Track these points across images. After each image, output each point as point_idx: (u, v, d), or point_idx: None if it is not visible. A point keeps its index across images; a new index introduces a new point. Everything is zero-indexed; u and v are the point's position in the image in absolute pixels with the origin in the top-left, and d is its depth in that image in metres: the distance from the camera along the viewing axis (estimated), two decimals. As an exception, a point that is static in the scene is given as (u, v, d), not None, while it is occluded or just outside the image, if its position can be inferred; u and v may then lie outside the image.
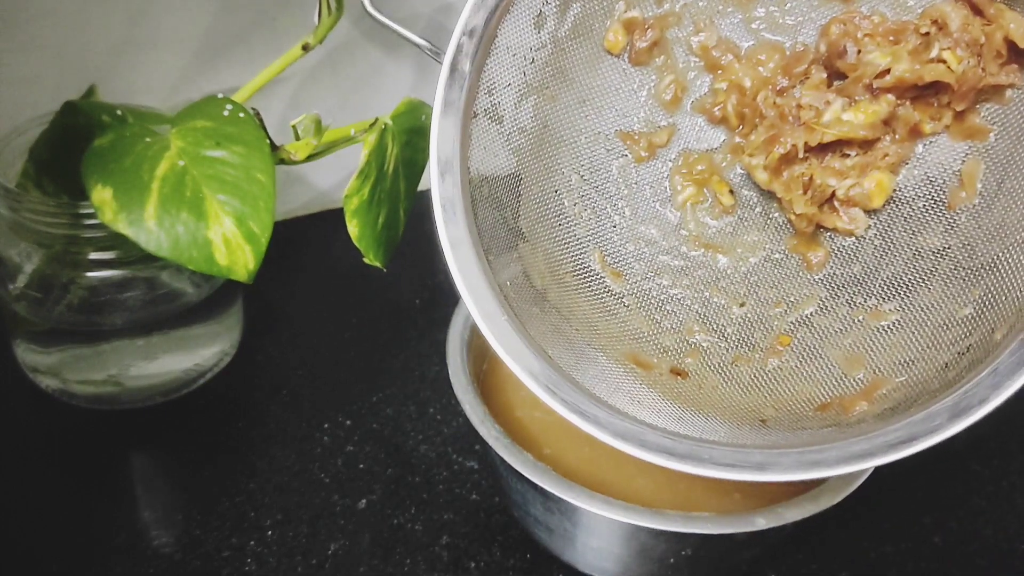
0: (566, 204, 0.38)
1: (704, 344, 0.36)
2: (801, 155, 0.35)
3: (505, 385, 0.40)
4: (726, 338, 0.36)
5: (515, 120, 0.36)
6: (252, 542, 0.38)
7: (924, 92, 0.34)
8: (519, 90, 0.36)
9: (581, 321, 0.36)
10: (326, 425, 0.43)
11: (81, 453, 0.41)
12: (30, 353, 0.43)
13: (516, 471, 0.33)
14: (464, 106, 0.35)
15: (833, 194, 0.36)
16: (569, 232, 0.37)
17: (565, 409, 0.31)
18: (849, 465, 0.29)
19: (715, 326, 0.37)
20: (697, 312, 0.37)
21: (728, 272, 0.37)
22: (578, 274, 0.37)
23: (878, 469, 0.33)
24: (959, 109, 0.34)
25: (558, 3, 0.36)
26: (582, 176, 0.38)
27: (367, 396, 0.45)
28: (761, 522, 0.31)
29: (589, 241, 0.38)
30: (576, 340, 0.35)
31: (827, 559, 0.38)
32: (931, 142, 0.35)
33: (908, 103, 0.35)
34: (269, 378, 0.46)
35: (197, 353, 0.44)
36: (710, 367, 0.36)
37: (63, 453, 0.41)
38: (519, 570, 0.37)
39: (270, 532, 0.38)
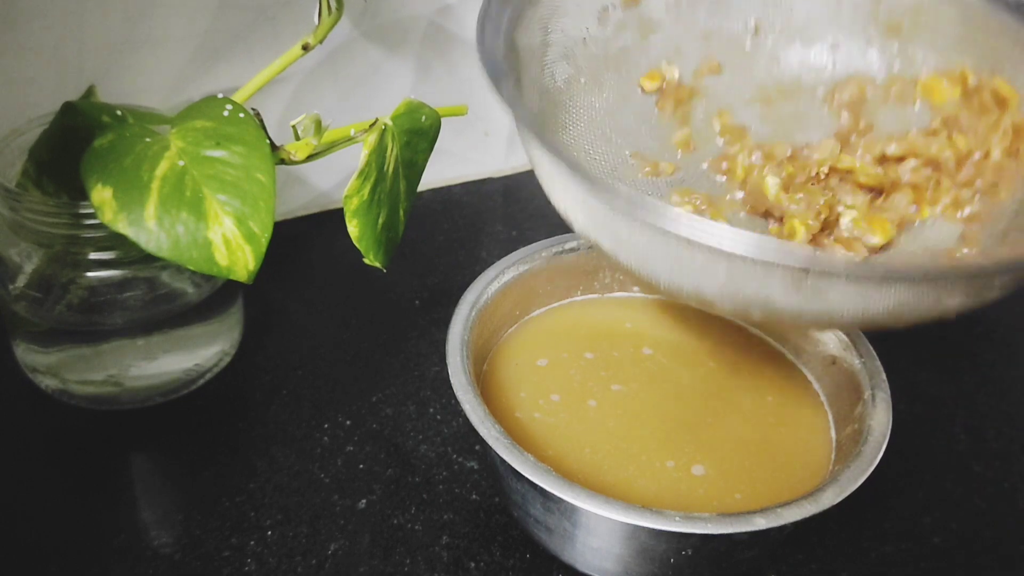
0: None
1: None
2: (814, 173, 0.36)
3: (505, 386, 0.40)
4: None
5: (553, 63, 0.37)
6: (252, 542, 0.38)
7: (928, 175, 0.36)
8: (565, 48, 0.37)
9: None
10: (326, 425, 0.43)
11: (81, 453, 0.41)
12: (30, 353, 0.43)
13: (516, 471, 0.33)
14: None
15: (837, 221, 0.36)
16: None
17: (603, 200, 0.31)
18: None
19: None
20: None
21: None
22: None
23: (878, 469, 0.34)
24: (963, 183, 0.35)
25: (619, 19, 0.37)
26: (587, 156, 0.38)
27: (367, 396, 0.45)
28: (761, 522, 0.31)
29: None
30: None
31: (827, 559, 0.38)
32: (932, 221, 0.36)
33: (910, 190, 0.36)
34: (269, 378, 0.46)
35: (197, 353, 0.44)
36: None
37: (63, 453, 0.41)
38: (519, 570, 0.37)
39: (270, 532, 0.38)
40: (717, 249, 0.27)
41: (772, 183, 0.37)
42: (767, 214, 0.38)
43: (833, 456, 0.38)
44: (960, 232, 0.36)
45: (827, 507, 0.32)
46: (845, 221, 0.36)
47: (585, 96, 0.39)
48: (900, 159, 0.37)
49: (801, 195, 0.36)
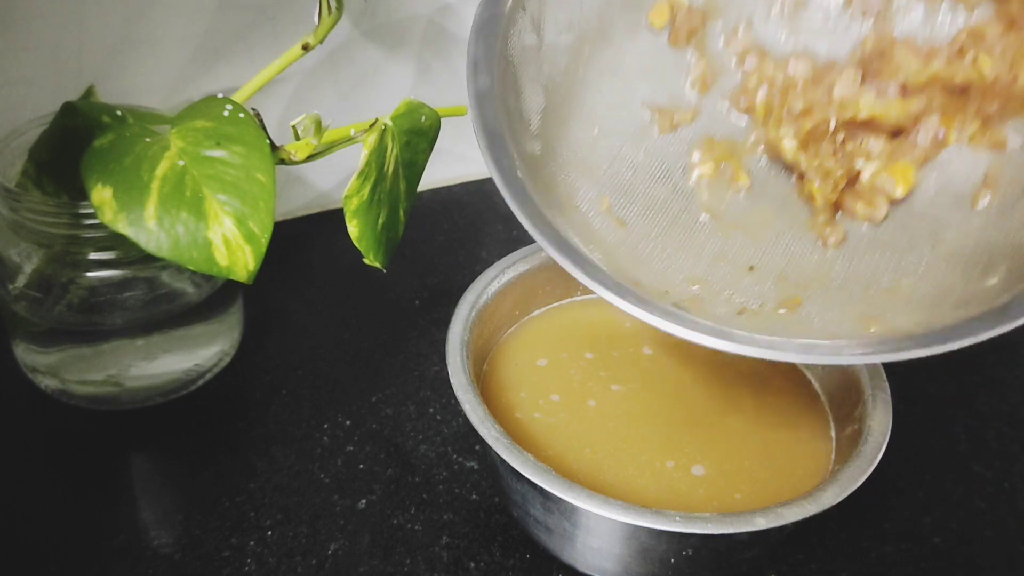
0: (581, 146, 0.37)
1: (707, 295, 0.36)
2: (832, 127, 0.35)
3: (505, 386, 0.40)
4: (732, 293, 0.36)
5: (552, 49, 0.36)
6: (252, 542, 0.38)
7: (954, 99, 0.34)
8: (563, 24, 0.36)
9: (584, 240, 0.35)
10: (326, 425, 0.43)
11: (81, 453, 0.41)
12: (30, 353, 0.43)
13: (516, 471, 0.33)
14: None
15: (857, 177, 0.35)
16: (580, 170, 0.37)
17: (573, 266, 0.31)
18: (889, 353, 0.29)
19: (721, 282, 0.36)
20: (703, 269, 0.36)
21: (739, 240, 0.37)
22: (583, 209, 0.37)
23: (878, 469, 0.33)
24: (988, 113, 0.34)
25: None
26: (601, 129, 0.38)
27: (367, 396, 0.45)
28: (761, 522, 0.31)
29: (598, 187, 0.37)
30: (580, 248, 0.35)
31: (827, 559, 0.38)
32: (957, 148, 0.35)
33: (937, 113, 0.35)
34: (269, 378, 0.46)
35: (197, 353, 0.44)
36: (713, 314, 0.35)
37: (63, 453, 0.41)
38: (519, 570, 0.37)
39: (270, 532, 0.38)
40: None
41: (789, 146, 0.36)
42: (788, 167, 0.37)
43: (833, 456, 0.38)
44: (984, 172, 0.35)
45: (827, 507, 0.32)
46: (865, 175, 0.35)
47: (592, 64, 0.38)
48: (924, 87, 0.35)
49: (818, 162, 0.35)
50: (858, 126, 0.36)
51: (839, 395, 0.39)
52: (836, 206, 0.36)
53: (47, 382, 0.43)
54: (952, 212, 0.35)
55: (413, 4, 0.54)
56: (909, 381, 0.46)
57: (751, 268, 0.36)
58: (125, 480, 0.40)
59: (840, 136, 0.36)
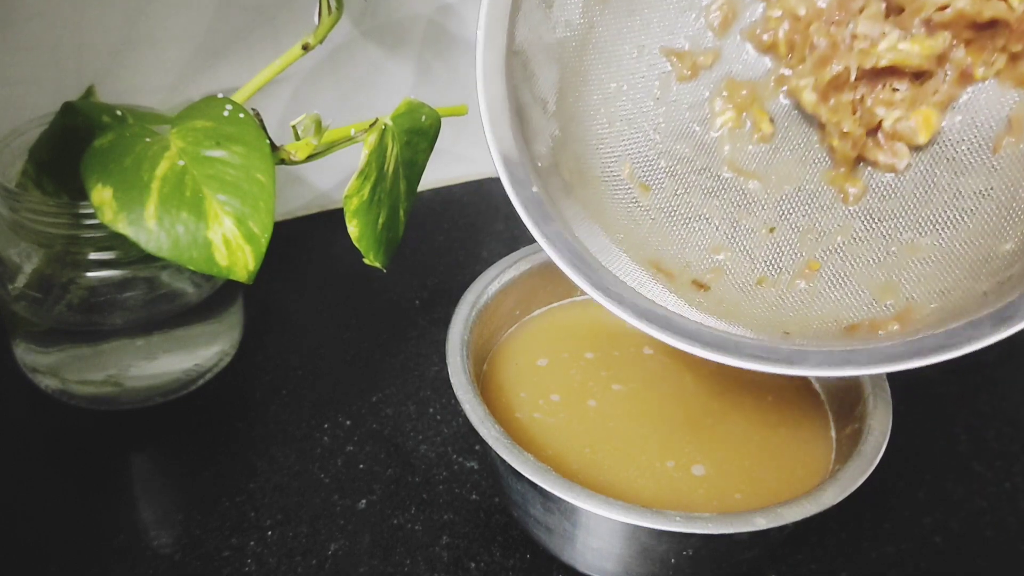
0: (601, 111, 0.37)
1: (728, 264, 0.35)
2: (853, 78, 0.35)
3: (505, 386, 0.40)
4: (752, 260, 0.36)
5: (563, 11, 0.36)
6: (252, 542, 0.38)
7: (980, 34, 0.34)
8: None
9: (605, 221, 0.35)
10: (326, 425, 0.43)
11: (81, 453, 0.41)
12: (30, 353, 0.43)
13: (516, 471, 0.33)
14: None
15: (879, 126, 0.35)
16: (601, 138, 0.36)
17: (588, 284, 0.31)
18: (882, 365, 0.29)
19: (741, 248, 0.36)
20: (724, 233, 0.36)
21: (760, 198, 0.36)
22: (606, 180, 0.36)
23: (878, 469, 0.33)
24: (1015, 51, 0.33)
25: None
26: (620, 86, 0.37)
27: (367, 396, 0.45)
28: (761, 522, 0.31)
29: (620, 151, 0.37)
30: (599, 234, 0.34)
31: (827, 559, 0.38)
32: (981, 87, 0.35)
33: (963, 45, 0.34)
34: (269, 378, 0.46)
35: (197, 353, 0.44)
36: (733, 285, 0.35)
37: (63, 453, 0.41)
38: (519, 570, 0.37)
39: (270, 532, 0.38)
40: None
41: (809, 98, 0.35)
42: (809, 116, 0.37)
43: (833, 456, 0.38)
44: (1008, 116, 0.34)
45: (827, 507, 0.32)
46: (887, 122, 0.35)
47: (605, 22, 0.37)
48: (949, 23, 0.34)
49: (838, 119, 0.35)
50: (879, 74, 0.35)
51: (839, 394, 0.39)
52: (857, 158, 0.36)
53: (47, 382, 0.43)
54: (974, 164, 0.34)
55: (413, 4, 0.54)
56: (909, 381, 0.46)
57: (771, 230, 0.36)
58: (125, 480, 0.40)
59: (860, 90, 0.36)
